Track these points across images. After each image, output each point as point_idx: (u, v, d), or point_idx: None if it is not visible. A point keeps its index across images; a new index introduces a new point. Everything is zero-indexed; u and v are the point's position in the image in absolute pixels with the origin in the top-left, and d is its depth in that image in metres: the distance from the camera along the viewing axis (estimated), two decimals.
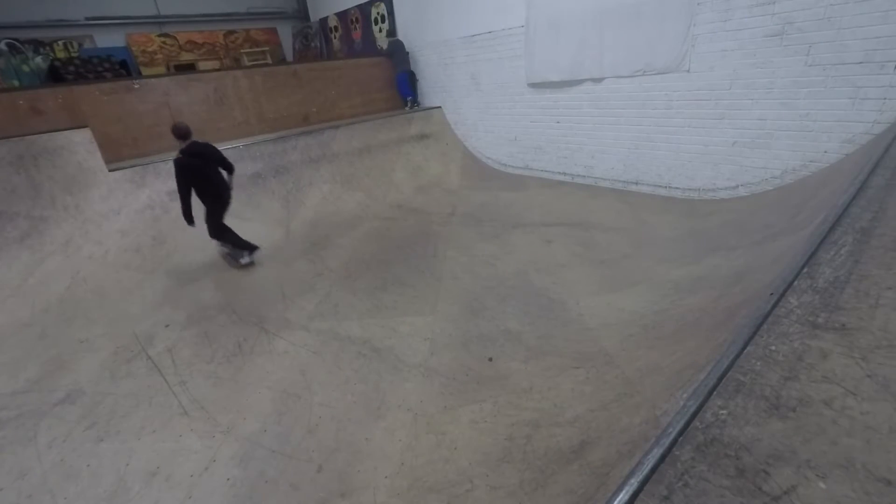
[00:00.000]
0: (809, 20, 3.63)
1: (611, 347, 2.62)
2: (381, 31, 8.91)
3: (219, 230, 4.33)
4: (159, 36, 10.24)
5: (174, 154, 4.09)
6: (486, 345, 2.87)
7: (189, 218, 4.12)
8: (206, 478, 2.14)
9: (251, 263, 4.46)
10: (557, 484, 1.74)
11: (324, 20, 10.77)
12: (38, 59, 8.96)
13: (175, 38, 10.42)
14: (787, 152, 4.07)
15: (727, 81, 4.27)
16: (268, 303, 3.75)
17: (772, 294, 1.56)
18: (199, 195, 4.14)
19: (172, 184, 5.14)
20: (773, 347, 1.29)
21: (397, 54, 7.74)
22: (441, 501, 1.86)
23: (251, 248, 4.45)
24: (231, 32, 11.17)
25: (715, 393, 1.17)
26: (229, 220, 4.45)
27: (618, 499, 0.92)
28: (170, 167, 5.14)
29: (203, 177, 4.10)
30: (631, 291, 3.23)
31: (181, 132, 3.98)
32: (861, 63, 3.47)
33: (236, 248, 4.45)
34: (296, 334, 3.25)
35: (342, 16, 9.99)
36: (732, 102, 4.29)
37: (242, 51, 11.00)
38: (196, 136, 6.35)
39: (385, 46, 8.36)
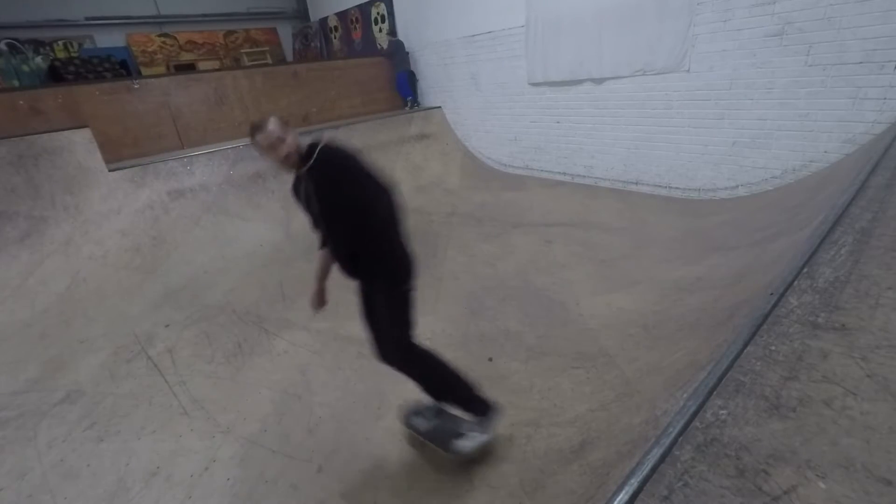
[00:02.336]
0: (809, 20, 3.63)
1: (611, 347, 2.62)
2: (381, 31, 8.91)
3: (412, 348, 1.94)
4: (159, 36, 10.25)
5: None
6: (486, 345, 2.87)
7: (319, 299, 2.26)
8: (206, 478, 2.14)
9: (478, 445, 1.93)
10: (557, 484, 1.74)
11: (324, 20, 10.76)
12: (38, 59, 8.96)
13: (175, 38, 10.42)
14: (787, 152, 4.07)
15: (727, 81, 4.27)
16: (268, 303, 3.75)
17: (772, 294, 1.56)
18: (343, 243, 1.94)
19: (173, 183, 5.21)
20: (773, 347, 1.28)
21: (397, 54, 7.74)
22: (441, 501, 1.86)
23: (485, 408, 1.94)
24: (231, 32, 11.17)
25: (715, 393, 1.17)
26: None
27: (618, 499, 0.92)
28: (170, 167, 5.15)
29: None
30: (631, 291, 3.23)
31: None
32: (861, 63, 3.47)
33: (448, 403, 2.02)
34: (296, 334, 3.25)
35: (342, 16, 9.98)
36: (732, 102, 4.29)
37: (242, 51, 11.01)
38: (196, 136, 6.31)
39: (385, 46, 8.36)
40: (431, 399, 2.04)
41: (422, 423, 2.10)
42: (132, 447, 2.36)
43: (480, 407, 1.94)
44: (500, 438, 2.11)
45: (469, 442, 1.89)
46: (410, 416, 2.15)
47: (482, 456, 2.02)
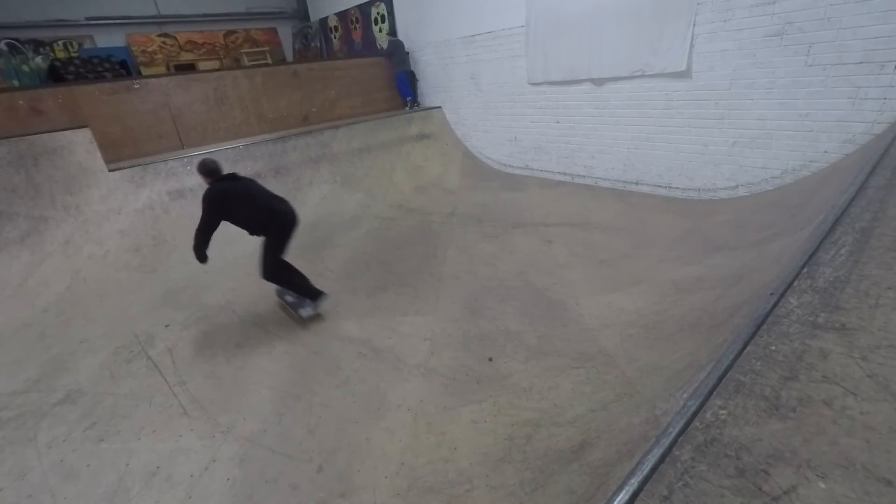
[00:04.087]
0: (809, 20, 3.63)
1: (611, 347, 2.62)
2: (381, 31, 8.91)
3: (275, 270, 3.28)
4: (159, 36, 10.24)
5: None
6: (486, 345, 2.87)
7: (202, 255, 3.22)
8: (206, 478, 2.14)
9: (316, 316, 3.39)
10: (557, 484, 1.74)
11: (324, 20, 10.77)
12: (38, 59, 8.96)
13: (175, 38, 10.42)
14: (786, 152, 4.06)
15: (727, 81, 4.27)
16: (268, 303, 3.75)
17: (772, 294, 1.56)
18: (246, 224, 3.20)
19: (173, 183, 5.21)
20: (773, 347, 1.29)
21: (397, 54, 7.74)
22: (441, 501, 1.86)
23: (315, 295, 3.35)
24: (231, 32, 11.17)
25: (715, 393, 1.17)
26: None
27: (618, 499, 0.92)
28: (170, 167, 5.16)
29: (247, 197, 3.15)
30: (631, 291, 3.23)
31: (209, 169, 3.20)
32: (861, 63, 3.47)
33: (297, 295, 3.44)
34: (296, 334, 3.25)
35: (342, 16, 9.99)
36: (732, 102, 4.29)
37: (242, 51, 11.00)
38: (196, 136, 6.35)
39: (385, 46, 8.36)
40: (292, 292, 3.46)
41: (287, 299, 3.55)
42: (132, 447, 2.36)
43: (314, 294, 3.36)
44: (499, 438, 2.11)
45: (306, 311, 3.36)
46: (282, 293, 3.61)
47: (482, 456, 2.02)
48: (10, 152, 4.27)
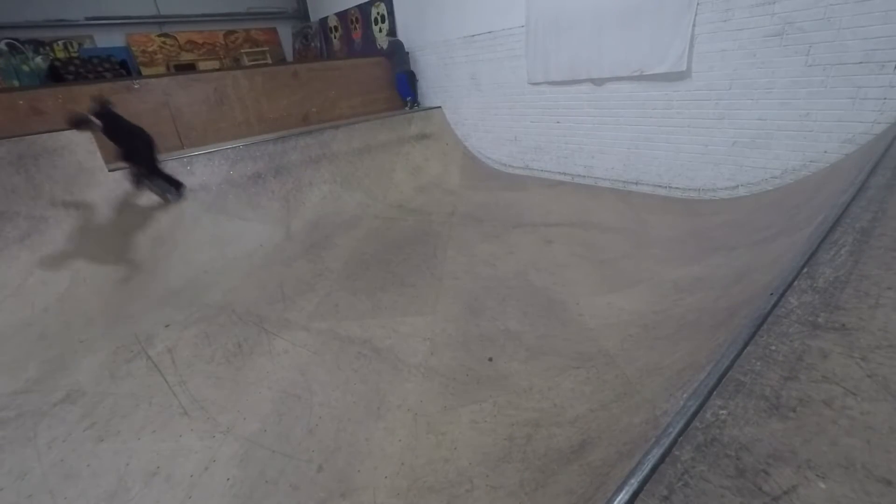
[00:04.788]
0: (809, 20, 3.63)
1: (611, 347, 2.62)
2: (381, 31, 8.91)
3: (155, 170, 4.63)
4: (159, 36, 10.24)
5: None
6: (486, 345, 2.87)
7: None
8: (206, 478, 2.14)
9: (179, 200, 4.96)
10: (557, 484, 1.74)
11: (324, 20, 10.76)
12: (38, 59, 8.95)
13: (175, 38, 10.41)
14: (786, 152, 4.07)
15: (727, 81, 4.27)
16: (268, 303, 3.75)
17: (772, 294, 1.56)
18: (124, 145, 4.44)
19: None
20: (773, 347, 1.29)
21: (397, 54, 7.74)
22: (441, 501, 1.86)
23: (179, 186, 4.89)
24: (231, 32, 11.16)
25: (715, 393, 1.17)
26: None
27: (618, 499, 0.92)
28: (170, 167, 5.15)
29: (122, 129, 4.44)
30: (631, 291, 3.23)
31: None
32: (861, 63, 3.47)
33: (167, 183, 4.81)
34: (296, 334, 3.25)
35: (342, 16, 9.98)
36: (732, 102, 4.29)
37: (242, 51, 10.99)
38: (196, 136, 6.37)
39: (385, 46, 8.36)
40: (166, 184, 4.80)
41: (160, 185, 4.78)
42: (132, 447, 2.36)
43: (178, 185, 4.86)
44: (499, 438, 2.11)
45: (173, 196, 4.87)
46: (152, 188, 4.81)
47: (482, 456, 2.02)
48: (10, 152, 4.27)
